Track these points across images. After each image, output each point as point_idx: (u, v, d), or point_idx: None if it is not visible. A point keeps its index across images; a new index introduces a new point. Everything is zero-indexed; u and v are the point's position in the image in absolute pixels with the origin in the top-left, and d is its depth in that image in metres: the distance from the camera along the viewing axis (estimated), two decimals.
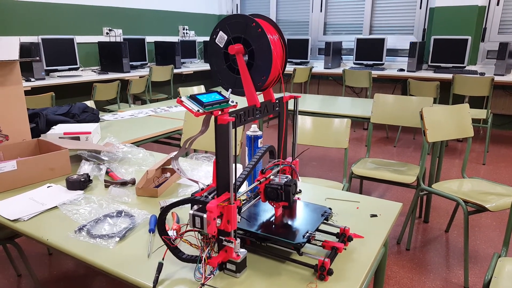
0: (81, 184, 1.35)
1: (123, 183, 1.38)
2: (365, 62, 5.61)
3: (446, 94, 5.34)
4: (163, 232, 0.90)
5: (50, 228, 1.11)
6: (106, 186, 1.38)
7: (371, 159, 2.66)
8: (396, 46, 5.78)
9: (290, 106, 2.97)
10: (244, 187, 1.31)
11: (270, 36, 0.95)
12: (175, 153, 1.51)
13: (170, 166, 1.53)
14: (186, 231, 0.89)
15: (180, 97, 0.79)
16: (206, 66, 5.93)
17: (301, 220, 1.01)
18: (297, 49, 6.07)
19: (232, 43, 0.97)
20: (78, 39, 4.63)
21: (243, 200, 1.04)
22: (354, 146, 4.64)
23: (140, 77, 4.57)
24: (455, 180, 2.33)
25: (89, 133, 1.87)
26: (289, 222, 1.00)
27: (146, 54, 5.28)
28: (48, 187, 1.39)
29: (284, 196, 0.99)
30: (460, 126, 2.37)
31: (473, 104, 5.22)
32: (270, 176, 1.04)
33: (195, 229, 0.84)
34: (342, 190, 2.15)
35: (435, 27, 5.32)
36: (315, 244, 1.00)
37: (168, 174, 1.48)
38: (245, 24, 0.94)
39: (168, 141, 2.71)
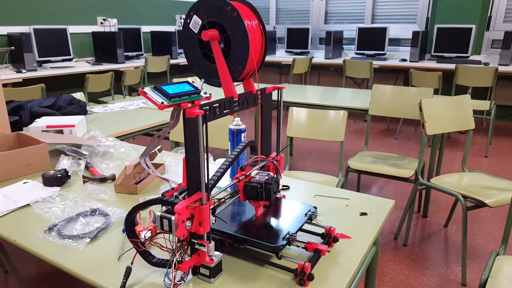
0: (58, 180, 1.28)
1: (102, 179, 1.32)
2: (366, 52, 5.50)
3: (449, 85, 5.23)
4: (131, 235, 0.83)
5: (19, 227, 1.05)
6: (85, 182, 1.32)
7: (369, 152, 2.58)
8: (398, 35, 5.66)
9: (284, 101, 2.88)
10: (226, 183, 1.24)
11: (247, 21, 0.87)
12: (158, 147, 1.44)
13: (153, 161, 1.46)
14: (156, 233, 0.82)
15: (143, 88, 0.72)
16: None
17: (283, 221, 0.94)
18: (297, 39, 5.95)
19: (206, 28, 0.89)
20: (72, 29, 4.54)
21: (222, 199, 0.97)
22: (354, 138, 4.56)
23: (135, 68, 4.49)
24: (455, 174, 2.26)
25: (73, 126, 1.80)
26: (270, 223, 0.93)
27: (141, 44, 5.19)
28: (24, 183, 1.32)
29: (264, 195, 0.92)
30: (461, 118, 2.28)
31: (477, 95, 5.11)
32: (250, 174, 0.97)
33: (163, 231, 0.77)
34: (337, 185, 2.10)
35: (438, 15, 5.19)
36: (298, 246, 0.93)
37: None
38: (220, 8, 0.86)
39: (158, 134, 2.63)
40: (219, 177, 0.85)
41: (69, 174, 1.33)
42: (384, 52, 5.41)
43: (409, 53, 5.24)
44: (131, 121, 2.16)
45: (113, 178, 1.34)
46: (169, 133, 2.40)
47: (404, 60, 5.13)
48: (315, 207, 0.99)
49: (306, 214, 0.95)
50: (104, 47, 4.66)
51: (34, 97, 3.09)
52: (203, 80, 0.85)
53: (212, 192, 0.86)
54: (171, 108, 0.76)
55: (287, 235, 0.85)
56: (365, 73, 4.85)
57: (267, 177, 0.94)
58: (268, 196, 0.91)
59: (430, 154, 2.47)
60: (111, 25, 5.01)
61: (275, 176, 0.97)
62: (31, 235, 1.00)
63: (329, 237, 0.94)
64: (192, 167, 0.77)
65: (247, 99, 0.94)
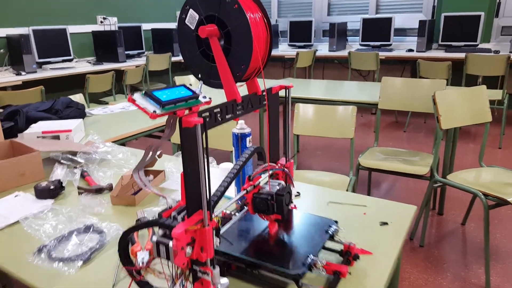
0: (51, 192, 1.19)
1: (98, 190, 1.22)
2: (371, 43, 5.35)
3: (458, 75, 5.07)
4: (125, 261, 0.73)
5: (6, 248, 0.95)
6: (80, 194, 1.22)
7: (380, 148, 2.47)
8: (404, 25, 5.50)
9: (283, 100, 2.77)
10: (232, 193, 1.14)
11: (249, 14, 0.76)
12: (158, 152, 1.34)
13: (153, 168, 1.36)
14: (153, 258, 0.73)
15: (132, 95, 0.62)
16: None
17: (300, 239, 0.84)
18: (300, 32, 5.82)
19: (204, 23, 0.79)
20: (71, 29, 4.44)
21: (229, 213, 0.87)
22: (361, 133, 4.44)
23: (136, 66, 4.39)
24: (472, 170, 2.14)
25: (70, 131, 1.71)
26: (286, 242, 0.83)
27: (143, 43, 5.08)
28: (15, 196, 1.23)
29: (276, 208, 0.82)
30: (476, 110, 2.16)
31: (488, 84, 4.96)
32: (259, 183, 0.87)
33: (160, 257, 0.67)
34: (349, 184, 1.99)
35: (445, 3, 5.03)
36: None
37: (151, 177, 1.32)
38: (218, 0, 0.76)
39: (162, 135, 2.54)
40: (223, 192, 0.76)
41: (63, 185, 1.24)
42: (390, 43, 5.27)
43: (415, 43, 5.08)
44: (132, 122, 2.06)
45: (110, 188, 1.25)
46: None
47: (411, 50, 4.98)
48: (335, 221, 0.89)
49: (326, 231, 0.85)
50: (104, 46, 4.57)
51: (33, 100, 3.01)
52: (201, 82, 0.75)
53: (219, 204, 0.76)
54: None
55: (308, 259, 0.75)
56: (371, 64, 4.71)
57: (278, 187, 0.84)
58: (280, 208, 0.82)
59: (445, 149, 2.35)
60: (111, 23, 4.91)
61: (287, 185, 0.87)
62: (18, 258, 0.91)
63: (349, 255, 0.84)
64: (191, 183, 0.67)
65: (251, 101, 0.84)
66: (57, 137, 1.70)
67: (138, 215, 1.08)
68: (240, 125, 1.03)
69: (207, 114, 0.70)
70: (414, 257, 2.07)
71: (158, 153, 1.35)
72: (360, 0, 5.76)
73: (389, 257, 0.88)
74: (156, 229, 1.00)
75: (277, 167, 0.89)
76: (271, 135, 0.92)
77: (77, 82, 4.48)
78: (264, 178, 0.88)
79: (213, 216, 0.71)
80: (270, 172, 0.90)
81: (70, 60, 4.31)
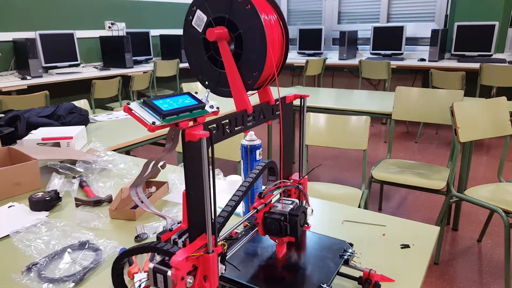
0: (46, 204, 1.12)
1: (97, 202, 1.15)
2: (382, 52, 5.27)
3: (471, 86, 4.96)
4: None
5: None
6: (77, 206, 1.15)
7: (393, 161, 2.37)
8: (415, 34, 5.41)
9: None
10: (240, 209, 1.06)
11: (264, 16, 0.69)
12: (161, 163, 1.26)
13: (155, 179, 1.29)
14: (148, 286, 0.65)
15: (129, 104, 0.55)
16: None
17: (312, 264, 0.75)
18: (310, 40, 5.75)
19: (213, 25, 0.71)
20: (79, 34, 4.42)
21: (237, 233, 0.79)
22: (372, 143, 4.34)
23: (144, 72, 4.35)
24: (490, 185, 2.04)
25: (71, 138, 1.64)
26: (297, 267, 0.75)
27: (150, 48, 5.05)
28: (9, 207, 1.16)
29: (289, 230, 0.74)
30: (496, 122, 2.07)
31: (501, 96, 4.84)
32: (270, 201, 0.79)
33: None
34: (361, 198, 1.90)
35: (458, 12, 4.94)
36: None
37: (153, 189, 1.24)
38: (229, 0, 0.68)
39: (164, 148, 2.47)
40: (230, 213, 0.68)
41: (60, 195, 1.17)
42: (401, 52, 5.18)
43: (427, 52, 4.99)
44: (137, 129, 2.00)
45: (109, 200, 1.17)
46: None
47: (422, 59, 4.89)
48: (350, 244, 0.80)
49: (341, 256, 0.77)
50: (112, 51, 4.54)
51: (37, 105, 2.96)
52: (208, 90, 0.68)
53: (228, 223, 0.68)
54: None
55: None
56: (382, 73, 4.63)
57: (291, 206, 0.76)
58: (294, 230, 0.73)
59: (461, 162, 2.25)
60: (119, 29, 4.89)
61: (301, 204, 0.79)
62: (6, 276, 0.84)
63: (369, 283, 0.75)
64: (195, 204, 0.60)
65: (263, 111, 0.76)
66: (58, 144, 1.64)
67: (138, 230, 1.01)
68: (250, 137, 0.96)
69: (214, 126, 0.62)
70: (429, 275, 1.96)
71: (161, 163, 1.28)
72: (371, 9, 5.69)
73: (413, 284, 0.79)
74: None
75: (289, 183, 0.81)
76: (284, 148, 0.84)
77: (83, 87, 4.45)
78: (276, 195, 0.80)
79: (218, 240, 0.63)
80: (283, 189, 0.82)
81: (77, 65, 4.28)
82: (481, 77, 3.96)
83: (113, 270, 0.65)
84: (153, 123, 0.53)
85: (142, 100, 0.56)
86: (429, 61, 4.75)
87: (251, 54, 0.70)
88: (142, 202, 0.66)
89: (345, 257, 0.76)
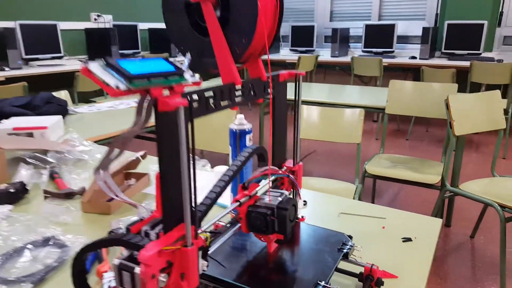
0: (11, 196, 1.01)
1: (68, 195, 1.04)
2: (374, 50, 5.22)
3: (462, 83, 4.91)
4: None
5: None
6: (46, 198, 1.04)
7: (386, 155, 2.30)
8: (406, 32, 5.38)
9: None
10: (227, 200, 0.97)
11: None
12: (141, 153, 1.16)
13: (135, 170, 1.18)
14: None
15: (87, 64, 0.45)
16: None
17: (307, 259, 0.66)
18: (302, 37, 5.68)
19: None
20: (62, 25, 4.26)
21: (223, 226, 0.69)
22: (363, 140, 4.26)
23: None
24: (484, 180, 1.98)
25: (45, 128, 1.53)
26: (290, 264, 0.65)
27: (139, 42, 4.91)
28: None
29: (277, 226, 0.65)
30: (490, 116, 2.01)
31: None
32: (256, 193, 0.69)
33: None
34: (355, 192, 1.82)
35: (448, 11, 4.92)
36: None
37: (133, 181, 1.14)
38: None
39: (154, 136, 2.36)
40: (213, 201, 0.58)
41: (27, 187, 1.06)
42: (393, 50, 5.14)
43: (418, 50, 4.96)
44: (120, 121, 1.89)
45: (82, 192, 1.07)
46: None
47: (413, 57, 4.86)
48: (349, 237, 0.71)
49: (339, 249, 0.68)
50: (98, 44, 4.39)
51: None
52: (188, 55, 0.58)
53: (209, 214, 0.59)
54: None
55: (318, 286, 0.58)
56: (374, 71, 4.58)
57: (280, 199, 0.66)
58: (282, 226, 0.64)
59: (454, 156, 2.19)
60: (106, 21, 4.74)
61: (292, 196, 0.70)
62: None
63: (371, 280, 0.66)
64: (170, 187, 0.50)
65: (254, 88, 0.67)
66: (31, 135, 1.52)
67: (113, 226, 0.90)
68: (239, 120, 0.86)
69: (195, 97, 0.53)
70: None
71: (141, 153, 1.18)
72: (362, 7, 5.64)
73: (418, 280, 0.71)
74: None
75: (280, 172, 0.72)
76: (276, 132, 0.75)
77: (66, 80, 4.28)
78: (264, 186, 0.71)
79: (199, 232, 0.54)
80: (272, 178, 0.72)
81: (60, 58, 4.13)
82: (471, 74, 3.93)
83: (73, 267, 0.55)
84: (117, 87, 0.43)
85: (106, 62, 0.46)
86: (420, 59, 4.72)
87: (239, 18, 0.60)
88: (109, 188, 0.57)
89: (344, 250, 0.67)
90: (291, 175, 0.72)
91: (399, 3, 5.40)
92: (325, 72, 5.88)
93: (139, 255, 0.46)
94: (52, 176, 1.16)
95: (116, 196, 0.56)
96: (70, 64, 4.04)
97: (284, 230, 0.64)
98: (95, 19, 4.64)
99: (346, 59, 5.02)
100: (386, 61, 4.66)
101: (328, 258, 0.66)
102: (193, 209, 0.51)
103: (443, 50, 4.84)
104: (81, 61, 4.32)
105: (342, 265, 0.73)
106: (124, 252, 0.50)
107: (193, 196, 0.50)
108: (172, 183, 0.50)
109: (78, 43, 4.54)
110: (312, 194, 1.10)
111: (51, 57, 4.04)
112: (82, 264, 0.55)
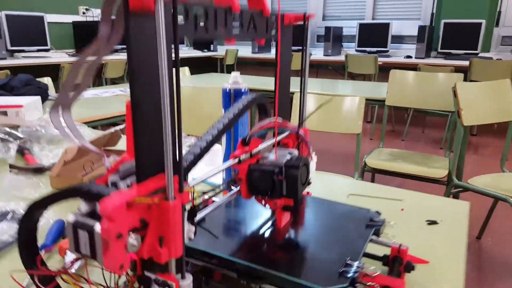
0: None
1: (37, 170, 0.91)
2: (368, 49, 5.14)
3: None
4: (28, 261, 0.42)
5: None
6: (11, 172, 0.90)
7: (387, 150, 2.19)
8: (401, 32, 5.31)
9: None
10: (219, 179, 0.84)
11: None
12: (121, 126, 1.03)
13: (115, 148, 1.05)
14: (76, 259, 0.42)
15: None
16: (196, 53, 5.44)
17: (328, 236, 0.53)
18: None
19: None
20: (49, 17, 4.11)
21: (208, 194, 0.56)
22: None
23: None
24: (493, 175, 1.88)
25: (20, 106, 1.39)
26: (305, 240, 0.53)
27: None
28: None
29: (286, 187, 0.52)
30: (500, 107, 1.91)
31: None
32: (259, 152, 0.56)
33: (83, 256, 0.36)
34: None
35: (445, 9, 4.86)
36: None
37: (112, 159, 1.00)
38: None
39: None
40: (202, 152, 0.45)
41: None
42: (387, 49, 5.06)
43: (413, 50, 4.88)
44: (102, 108, 1.75)
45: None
46: None
47: (409, 57, 4.79)
48: (378, 213, 0.59)
49: (368, 226, 0.55)
50: (86, 38, 4.24)
51: None
52: None
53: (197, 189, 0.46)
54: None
55: (350, 266, 0.45)
56: (369, 68, 4.49)
57: (289, 157, 0.54)
58: (292, 189, 0.51)
59: (460, 150, 2.09)
60: (94, 15, 4.60)
61: (303, 155, 0.58)
62: None
63: (399, 263, 0.54)
64: (146, 121, 0.37)
65: (254, 21, 0.54)
66: (5, 113, 1.38)
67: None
68: (234, 78, 0.74)
69: (182, 5, 0.40)
70: None
71: (122, 126, 1.04)
72: (356, 7, 5.58)
73: (453, 267, 0.59)
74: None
75: (289, 126, 0.59)
76: (281, 83, 0.63)
77: (51, 73, 4.12)
78: (267, 144, 0.58)
79: (185, 186, 0.41)
80: (280, 137, 0.60)
81: (47, 51, 3.97)
82: (471, 72, 3.85)
83: (20, 232, 0.42)
84: None
85: None
86: (415, 58, 4.64)
87: None
88: (70, 133, 0.43)
89: (375, 226, 0.54)
90: (301, 132, 0.60)
91: (393, 2, 5.34)
92: (317, 71, 5.78)
93: (100, 206, 0.33)
94: (22, 152, 1.02)
95: (79, 143, 0.43)
96: (56, 56, 3.89)
97: (294, 194, 0.51)
98: (84, 13, 4.50)
99: (339, 58, 4.94)
100: (381, 60, 4.58)
101: (355, 235, 0.53)
102: (178, 150, 0.38)
103: (439, 50, 4.78)
104: (68, 54, 4.17)
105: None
106: (83, 207, 0.37)
107: (177, 133, 0.37)
108: (148, 113, 0.37)
109: (65, 37, 4.38)
110: (314, 174, 0.98)
111: (37, 49, 3.89)
112: (32, 225, 0.42)
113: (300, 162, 0.52)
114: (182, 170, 0.39)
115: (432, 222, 0.73)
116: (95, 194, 0.35)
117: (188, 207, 0.42)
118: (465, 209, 0.78)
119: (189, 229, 0.41)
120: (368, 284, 0.44)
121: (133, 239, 0.35)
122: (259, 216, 0.58)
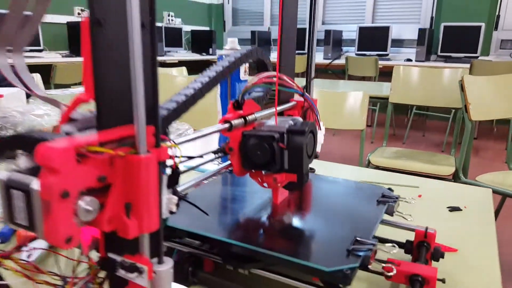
0: None
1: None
2: (367, 53, 5.08)
3: None
4: None
5: None
6: None
7: (392, 148, 2.10)
8: (400, 36, 5.26)
9: None
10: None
11: None
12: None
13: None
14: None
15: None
16: (193, 56, 5.38)
17: (335, 213, 0.44)
18: (297, 40, 5.54)
19: None
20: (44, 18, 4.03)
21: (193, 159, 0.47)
22: (357, 143, 4.09)
23: None
24: (500, 173, 1.79)
25: (1, 96, 1.30)
26: (306, 216, 0.43)
27: None
28: None
29: (288, 160, 0.42)
30: (508, 102, 1.83)
31: None
32: (255, 119, 0.47)
33: (18, 226, 0.27)
34: None
35: (444, 13, 4.82)
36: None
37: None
38: None
39: None
40: (189, 100, 0.36)
41: None
42: (387, 53, 5.01)
43: (413, 53, 4.82)
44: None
45: None
46: None
47: (409, 60, 4.73)
48: (390, 189, 0.50)
49: (379, 202, 0.46)
50: (79, 39, 4.16)
51: None
52: None
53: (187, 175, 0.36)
54: None
55: (361, 245, 0.36)
56: (370, 70, 4.43)
57: (291, 122, 0.45)
58: (297, 161, 0.42)
59: (467, 147, 2.00)
60: None
61: (309, 121, 0.48)
62: None
63: (426, 250, 0.44)
64: (109, 46, 0.28)
65: None
66: None
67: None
68: (232, 44, 0.65)
69: None
70: None
71: None
72: (356, 11, 5.54)
73: (488, 256, 0.49)
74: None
75: (293, 84, 0.49)
76: (283, 40, 0.54)
77: (43, 73, 4.04)
78: (265, 113, 0.49)
79: (167, 142, 0.31)
80: (283, 108, 0.50)
81: (40, 51, 3.88)
82: (472, 74, 3.79)
83: None
84: None
85: None
86: (416, 61, 4.59)
87: None
88: (17, 78, 0.34)
89: (388, 203, 0.45)
90: (307, 94, 0.50)
91: (392, 6, 5.31)
92: (316, 76, 5.72)
93: (38, 151, 0.24)
94: None
95: (28, 89, 0.34)
96: (48, 57, 3.80)
97: (299, 167, 0.42)
98: (79, 14, 4.43)
99: (339, 61, 4.88)
100: (381, 63, 4.52)
101: (365, 212, 0.44)
102: (153, 89, 0.29)
103: (439, 53, 4.72)
104: (61, 55, 4.09)
105: (379, 231, 0.51)
106: (23, 162, 0.28)
107: (151, 64, 0.28)
108: (111, 39, 0.28)
109: (59, 38, 4.30)
110: (318, 162, 0.88)
111: (30, 49, 3.80)
112: None
113: (306, 127, 0.43)
114: (159, 121, 0.30)
115: (455, 209, 0.64)
116: (37, 140, 0.26)
117: (169, 171, 0.33)
118: (488, 195, 0.70)
119: (169, 198, 0.32)
120: (388, 266, 0.35)
121: (86, 201, 0.26)
122: (254, 188, 0.49)
